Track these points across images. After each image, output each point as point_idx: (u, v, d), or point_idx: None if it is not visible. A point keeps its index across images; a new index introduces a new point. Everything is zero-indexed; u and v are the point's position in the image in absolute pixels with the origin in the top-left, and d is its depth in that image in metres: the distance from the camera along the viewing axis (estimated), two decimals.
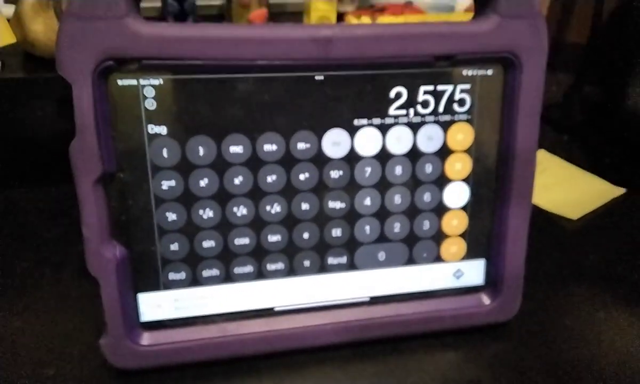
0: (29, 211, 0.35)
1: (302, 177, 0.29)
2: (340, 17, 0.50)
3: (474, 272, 0.33)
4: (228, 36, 0.26)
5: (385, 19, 0.49)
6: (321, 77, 0.28)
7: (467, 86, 0.29)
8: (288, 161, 0.28)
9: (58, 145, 0.51)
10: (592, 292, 0.37)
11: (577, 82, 0.58)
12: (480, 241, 0.32)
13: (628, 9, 0.50)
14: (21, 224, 0.40)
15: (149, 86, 0.26)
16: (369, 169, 0.30)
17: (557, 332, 0.33)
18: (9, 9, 0.42)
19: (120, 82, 0.26)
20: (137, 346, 0.29)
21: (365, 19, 0.48)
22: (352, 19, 0.49)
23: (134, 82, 0.26)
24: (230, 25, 0.26)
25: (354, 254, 0.31)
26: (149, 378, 0.29)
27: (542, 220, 0.44)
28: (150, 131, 0.27)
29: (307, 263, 0.30)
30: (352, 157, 0.29)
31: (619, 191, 0.48)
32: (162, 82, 0.26)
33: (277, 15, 0.50)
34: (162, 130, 0.27)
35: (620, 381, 0.30)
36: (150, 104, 0.26)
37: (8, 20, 0.42)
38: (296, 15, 0.50)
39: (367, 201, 0.30)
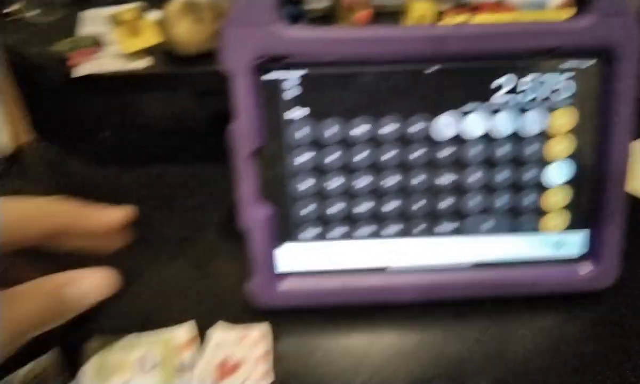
0: (173, 186, 0.41)
1: (415, 155, 0.34)
2: (439, 15, 0.53)
3: (575, 242, 0.36)
4: (356, 37, 0.31)
5: (481, 18, 0.51)
6: (434, 69, 0.32)
7: (568, 75, 0.32)
8: (404, 141, 0.33)
9: (199, 131, 0.59)
10: None
11: None
12: (581, 214, 0.35)
13: None
14: (167, 196, 0.47)
15: (291, 78, 0.32)
16: (475, 149, 0.34)
17: None
18: (157, 14, 0.49)
19: (268, 75, 0.32)
20: (276, 290, 0.36)
21: (462, 18, 0.51)
22: (450, 18, 0.52)
23: (279, 75, 0.32)
24: (357, 28, 0.31)
25: (461, 223, 0.35)
26: (284, 316, 0.36)
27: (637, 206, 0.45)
28: (290, 115, 0.33)
29: (418, 229, 0.35)
30: (460, 139, 0.34)
31: None
32: (301, 75, 0.32)
33: (378, 16, 0.54)
34: (301, 114, 0.33)
35: None
36: (293, 93, 0.32)
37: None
38: (396, 15, 0.54)
39: (474, 177, 0.34)
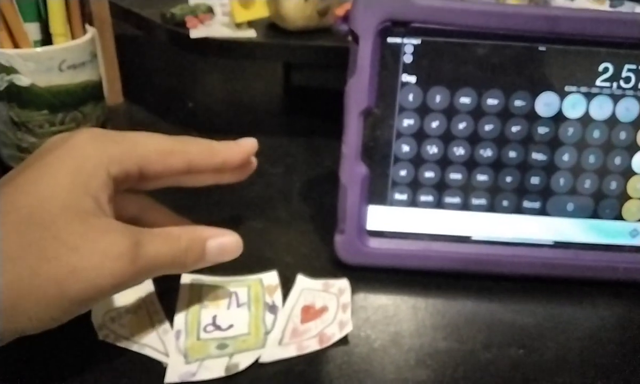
0: (256, 155, 0.43)
1: (514, 129, 0.35)
2: None
3: None
4: (476, 9, 0.33)
5: None
6: (544, 48, 0.34)
7: None
8: (505, 115, 0.35)
9: (275, 104, 0.61)
10: None
11: None
12: None
13: None
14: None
15: (409, 44, 0.34)
16: (571, 130, 0.35)
17: None
18: None
19: (390, 39, 0.34)
20: (364, 247, 0.37)
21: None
22: None
23: (399, 40, 0.34)
24: (478, 2, 0.33)
25: (546, 202, 0.37)
26: (368, 275, 0.37)
27: None
28: (403, 80, 0.35)
29: (505, 203, 0.37)
30: (559, 118, 0.35)
31: None
32: (419, 42, 0.34)
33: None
34: (412, 79, 0.35)
35: None
36: (408, 59, 0.34)
37: None
38: None
39: (566, 157, 0.36)
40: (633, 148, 0.36)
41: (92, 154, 0.28)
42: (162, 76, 0.71)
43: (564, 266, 0.37)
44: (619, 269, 0.37)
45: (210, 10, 0.53)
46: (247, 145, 0.34)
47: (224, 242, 0.31)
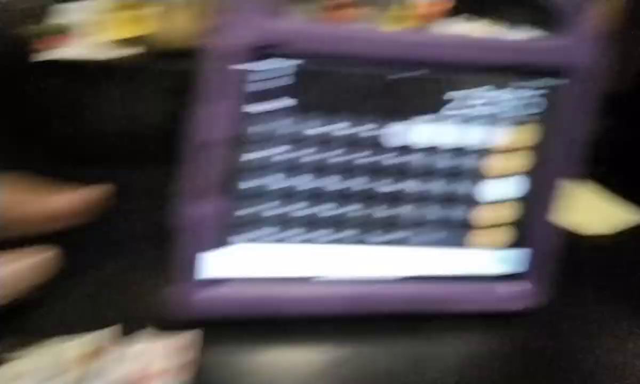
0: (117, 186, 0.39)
1: (361, 160, 0.33)
2: None
3: (513, 260, 0.37)
4: (343, 34, 0.31)
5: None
6: (392, 76, 0.32)
7: (523, 93, 0.34)
8: (352, 144, 0.33)
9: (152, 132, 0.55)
10: (616, 302, 0.40)
11: (616, 125, 0.61)
12: (518, 232, 0.36)
13: None
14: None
15: (277, 70, 0.31)
16: (419, 158, 0.34)
17: (575, 330, 0.37)
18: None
19: (257, 66, 0.30)
20: (203, 297, 0.33)
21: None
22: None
23: (267, 66, 0.30)
24: (346, 26, 0.32)
25: (396, 233, 0.35)
26: (207, 326, 0.33)
27: (576, 238, 0.48)
28: (278, 106, 0.31)
29: (353, 237, 0.34)
30: (405, 147, 0.33)
31: None
32: (295, 65, 0.31)
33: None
34: (289, 104, 0.31)
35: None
36: (284, 82, 0.31)
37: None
38: None
39: (414, 187, 0.34)
40: (479, 176, 0.35)
41: None
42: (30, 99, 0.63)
43: (415, 302, 0.36)
44: (473, 302, 0.37)
45: (64, 31, 0.48)
46: (63, 200, 0.31)
47: (19, 267, 0.27)
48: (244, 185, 0.32)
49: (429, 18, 0.56)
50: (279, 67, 0.30)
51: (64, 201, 0.31)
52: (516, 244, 0.36)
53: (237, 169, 0.32)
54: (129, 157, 0.50)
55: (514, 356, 0.34)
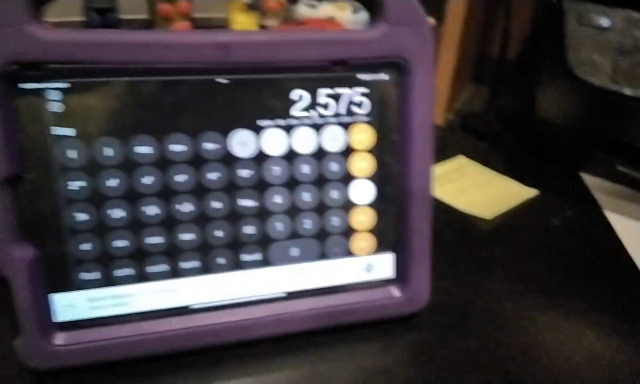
0: None
1: (211, 176, 0.30)
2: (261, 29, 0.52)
3: (384, 265, 0.34)
4: (129, 41, 0.27)
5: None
6: (224, 80, 0.29)
7: (364, 90, 0.31)
8: (197, 161, 0.30)
9: None
10: (502, 286, 0.39)
11: (495, 93, 0.61)
12: (388, 235, 0.34)
13: (537, 29, 0.54)
14: None
15: (54, 90, 0.27)
16: (277, 168, 0.31)
17: (468, 322, 0.35)
18: None
19: (24, 85, 0.27)
20: (51, 346, 0.30)
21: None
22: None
23: (38, 85, 0.27)
24: (131, 31, 0.27)
25: (267, 251, 0.32)
26: (65, 378, 0.30)
27: (459, 220, 0.47)
28: (56, 133, 0.28)
29: (221, 261, 0.32)
30: (260, 157, 0.31)
31: (532, 192, 0.51)
32: (67, 85, 0.27)
33: (198, 28, 0.51)
34: (69, 132, 0.28)
35: (527, 365, 0.32)
36: (56, 107, 0.27)
37: None
38: (218, 28, 0.52)
39: (278, 199, 0.32)
40: (348, 179, 0.33)
41: None
42: None
43: (299, 319, 0.33)
44: (358, 311, 0.34)
45: None
46: None
47: None
48: (76, 220, 0.28)
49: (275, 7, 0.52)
50: (47, 88, 0.27)
51: None
52: (390, 248, 0.34)
53: (57, 205, 0.27)
54: None
55: (418, 359, 0.32)
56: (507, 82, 0.60)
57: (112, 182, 0.29)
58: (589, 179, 0.54)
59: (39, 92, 0.27)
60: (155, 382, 0.30)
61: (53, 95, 0.27)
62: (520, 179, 0.53)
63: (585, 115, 0.46)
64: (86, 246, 0.29)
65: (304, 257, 0.33)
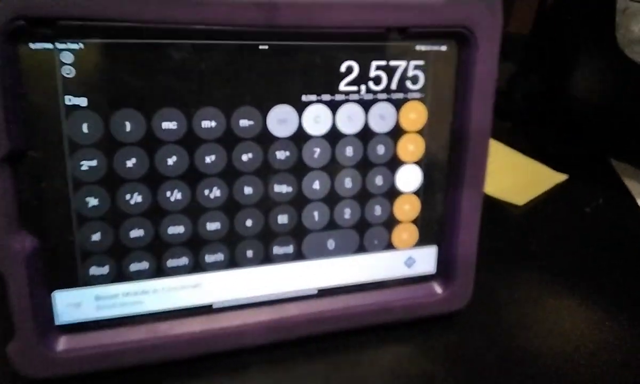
0: None
1: (244, 158, 0.26)
2: None
3: (426, 260, 0.31)
4: None
5: None
6: (266, 47, 0.25)
7: (420, 62, 0.28)
8: (229, 140, 0.26)
9: None
10: (539, 278, 0.36)
11: (520, 71, 0.58)
12: (432, 227, 0.31)
13: (567, 2, 0.51)
14: None
15: (67, 51, 0.22)
16: (317, 150, 0.27)
17: (508, 320, 0.32)
18: None
19: (32, 45, 0.22)
20: (52, 352, 0.25)
21: None
22: None
23: (49, 46, 0.22)
24: None
25: (301, 243, 0.28)
26: None
27: (488, 206, 0.43)
28: (67, 103, 0.23)
29: (250, 253, 0.28)
30: (299, 137, 0.27)
31: (562, 177, 0.48)
32: (82, 46, 0.22)
33: None
34: (82, 101, 0.23)
35: (572, 364, 0.29)
36: (68, 72, 0.23)
37: None
38: None
39: (316, 185, 0.28)
40: (395, 163, 0.29)
41: None
42: None
43: (333, 319, 0.29)
44: (397, 309, 0.30)
45: None
46: None
47: None
48: (86, 206, 0.23)
49: None
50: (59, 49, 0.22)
51: None
52: (432, 239, 0.31)
53: (65, 187, 0.23)
54: None
55: (458, 362, 0.29)
56: (533, 59, 0.56)
57: (130, 163, 0.24)
58: (618, 166, 0.52)
59: (48, 54, 0.22)
60: None
61: (65, 57, 0.22)
62: (545, 162, 0.50)
63: (628, 96, 0.43)
64: (96, 236, 0.25)
65: (340, 251, 0.29)
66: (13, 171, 0.23)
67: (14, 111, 0.22)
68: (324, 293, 0.30)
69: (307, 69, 0.26)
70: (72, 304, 0.26)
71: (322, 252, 0.29)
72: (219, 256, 0.27)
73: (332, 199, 0.28)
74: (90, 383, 0.26)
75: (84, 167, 0.24)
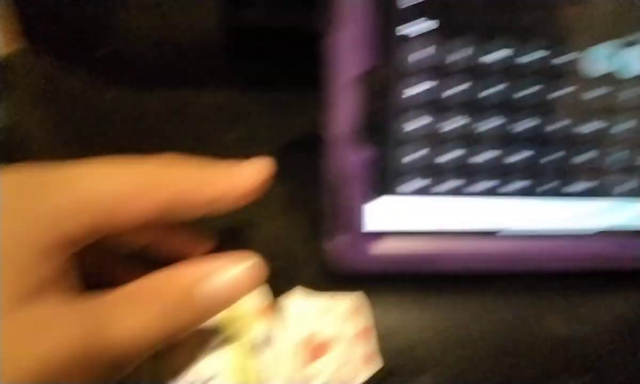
0: (197, 115, 0.33)
1: (558, 93, 0.27)
2: None
3: None
4: None
5: None
6: None
7: None
8: (548, 73, 0.26)
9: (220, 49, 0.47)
10: None
11: None
12: None
13: None
14: (195, 128, 0.37)
15: None
16: (629, 91, 0.27)
17: None
18: None
19: None
20: (366, 252, 0.29)
21: None
22: None
23: None
24: None
25: (596, 182, 0.29)
26: (368, 284, 0.29)
27: None
28: (408, 30, 0.25)
29: (546, 186, 0.29)
30: (613, 76, 0.27)
31: None
32: None
33: None
34: (422, 28, 0.25)
35: None
36: (412, 1, 0.25)
37: None
38: None
39: (622, 126, 0.28)
40: None
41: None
42: (70, 13, 0.53)
43: (611, 258, 0.30)
44: None
45: None
46: (248, 174, 0.24)
47: (226, 278, 0.22)
48: (410, 126, 0.26)
49: None
50: None
51: (244, 177, 0.24)
52: None
53: (395, 108, 0.25)
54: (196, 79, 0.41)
55: None
56: None
57: (457, 89, 0.26)
58: None
59: None
60: (456, 299, 0.29)
61: None
62: None
63: None
64: (415, 155, 0.28)
65: (634, 193, 0.29)
66: (359, 90, 0.26)
67: (368, 34, 0.25)
68: (603, 233, 0.30)
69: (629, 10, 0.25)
70: (385, 214, 0.29)
71: (614, 193, 0.29)
72: (517, 186, 0.29)
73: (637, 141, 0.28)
74: (388, 281, 0.29)
75: (417, 90, 0.26)
